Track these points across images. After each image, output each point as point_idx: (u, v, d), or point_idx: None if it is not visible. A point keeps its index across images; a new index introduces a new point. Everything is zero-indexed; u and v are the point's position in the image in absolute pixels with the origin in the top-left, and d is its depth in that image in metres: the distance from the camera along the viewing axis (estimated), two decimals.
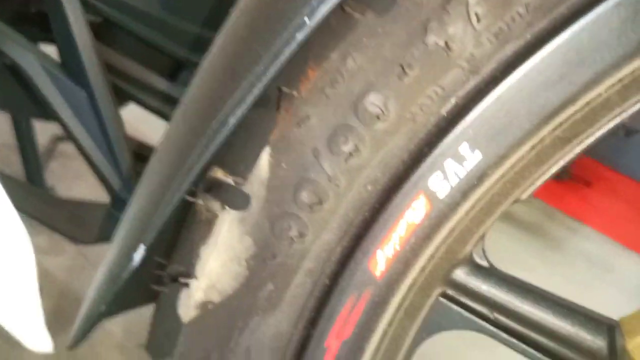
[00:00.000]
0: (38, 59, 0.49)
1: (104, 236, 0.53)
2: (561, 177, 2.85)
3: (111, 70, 0.54)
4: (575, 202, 2.46)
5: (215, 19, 0.48)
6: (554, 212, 2.53)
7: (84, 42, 0.49)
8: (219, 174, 0.33)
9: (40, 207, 0.55)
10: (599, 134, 0.30)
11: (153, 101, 0.56)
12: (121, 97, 0.57)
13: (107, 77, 0.52)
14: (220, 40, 0.30)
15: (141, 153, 0.54)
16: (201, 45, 0.51)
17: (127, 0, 0.51)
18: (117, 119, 0.52)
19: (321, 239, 0.31)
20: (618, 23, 0.25)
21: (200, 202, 0.33)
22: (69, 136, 0.53)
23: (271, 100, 0.30)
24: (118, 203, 0.51)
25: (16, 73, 0.52)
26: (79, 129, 0.52)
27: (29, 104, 0.59)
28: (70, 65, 0.50)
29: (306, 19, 0.25)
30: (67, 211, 0.57)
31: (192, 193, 0.34)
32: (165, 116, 0.57)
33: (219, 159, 0.33)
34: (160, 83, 0.55)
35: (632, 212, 2.44)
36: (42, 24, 0.59)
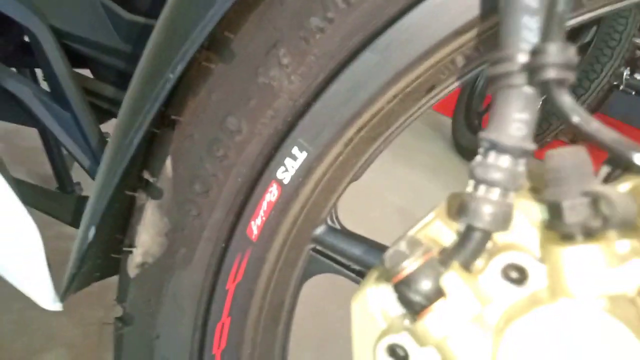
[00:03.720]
0: (32, 91, 0.65)
1: None
2: (576, 140, 2.88)
3: (90, 94, 0.69)
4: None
5: None
6: None
7: (65, 77, 0.64)
8: (145, 174, 0.47)
9: (48, 203, 0.71)
10: (392, 136, 0.43)
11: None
12: (101, 112, 0.72)
13: (86, 99, 0.67)
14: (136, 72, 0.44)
15: None
16: None
17: (95, 39, 0.65)
18: (96, 130, 0.67)
19: (212, 216, 0.45)
20: (364, 69, 0.38)
21: (136, 194, 0.48)
22: (62, 145, 0.69)
23: (169, 124, 0.44)
24: None
25: (15, 98, 0.68)
26: (65, 138, 0.67)
27: (27, 117, 0.75)
28: (56, 93, 0.65)
29: (170, 74, 0.39)
30: (67, 204, 0.73)
31: (133, 188, 0.49)
32: None
33: (146, 164, 0.47)
34: None
35: None
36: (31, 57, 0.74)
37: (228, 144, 0.43)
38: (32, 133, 1.29)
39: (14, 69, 0.73)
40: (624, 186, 0.23)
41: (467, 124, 2.99)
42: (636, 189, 0.23)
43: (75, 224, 0.68)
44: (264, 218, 0.45)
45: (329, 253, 0.48)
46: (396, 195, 1.98)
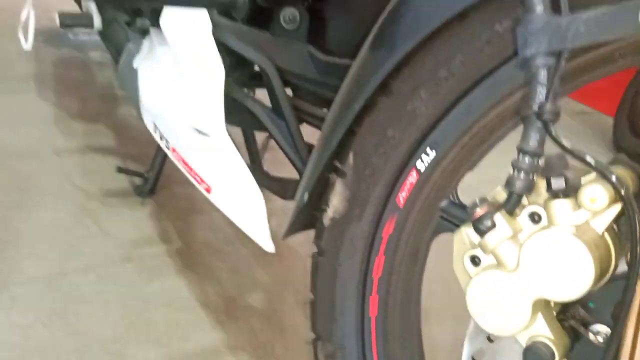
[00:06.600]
0: (261, 107, 1.00)
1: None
2: None
3: (296, 109, 1.02)
4: None
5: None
6: None
7: (283, 98, 0.97)
8: (337, 162, 0.77)
9: (265, 181, 1.06)
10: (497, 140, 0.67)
11: (319, 123, 1.03)
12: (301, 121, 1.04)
13: (295, 113, 1.00)
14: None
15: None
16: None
17: (302, 73, 0.98)
18: (299, 133, 1.00)
19: (376, 189, 0.74)
20: (470, 102, 0.63)
21: (330, 175, 0.78)
22: (277, 143, 1.03)
23: (352, 133, 0.74)
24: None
25: (248, 111, 1.03)
26: (280, 138, 1.01)
27: (254, 124, 1.11)
28: (276, 108, 0.99)
29: (356, 105, 0.68)
30: (278, 183, 1.08)
31: (331, 170, 0.79)
32: None
33: (337, 156, 0.77)
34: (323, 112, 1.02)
35: None
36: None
37: (387, 145, 0.71)
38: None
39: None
40: (590, 176, 0.46)
41: (630, 125, 2.90)
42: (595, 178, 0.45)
43: (286, 197, 1.03)
44: (407, 193, 0.72)
45: (450, 219, 0.73)
46: None
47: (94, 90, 2.24)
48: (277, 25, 0.94)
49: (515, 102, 0.62)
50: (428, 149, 0.68)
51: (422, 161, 0.69)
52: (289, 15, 0.93)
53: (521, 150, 0.49)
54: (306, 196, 0.77)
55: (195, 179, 1.03)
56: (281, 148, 1.02)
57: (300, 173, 1.00)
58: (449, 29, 0.62)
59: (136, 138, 1.94)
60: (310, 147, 1.02)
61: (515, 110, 0.64)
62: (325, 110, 1.09)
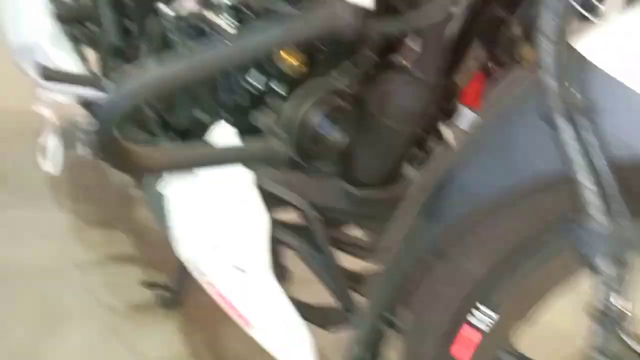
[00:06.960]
0: (301, 243, 1.02)
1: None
2: None
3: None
4: None
5: None
6: None
7: (320, 234, 0.99)
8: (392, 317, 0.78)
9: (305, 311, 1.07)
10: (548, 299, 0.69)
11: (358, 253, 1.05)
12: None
13: (329, 245, 1.02)
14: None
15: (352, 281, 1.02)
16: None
17: (338, 207, 1.00)
18: (336, 265, 1.02)
19: (431, 347, 0.74)
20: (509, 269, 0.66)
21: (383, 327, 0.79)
22: (314, 274, 1.04)
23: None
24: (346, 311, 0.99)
25: None
26: (318, 270, 1.02)
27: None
28: (312, 242, 1.01)
29: (409, 269, 0.70)
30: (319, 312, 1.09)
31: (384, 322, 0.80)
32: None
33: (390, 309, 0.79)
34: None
35: None
36: None
37: (440, 302, 0.73)
38: None
39: None
40: None
41: None
42: None
43: (326, 328, 1.04)
44: (464, 350, 0.73)
45: None
46: None
47: (109, 193, 2.26)
48: (311, 167, 0.98)
49: (565, 261, 0.65)
50: (482, 308, 0.70)
51: (477, 318, 0.71)
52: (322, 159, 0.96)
53: (594, 349, 0.50)
54: (356, 348, 0.78)
55: (237, 316, 1.03)
56: (319, 278, 1.03)
57: (338, 301, 1.01)
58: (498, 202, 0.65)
59: (157, 242, 1.94)
60: (347, 275, 1.04)
61: (566, 268, 0.66)
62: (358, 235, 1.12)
